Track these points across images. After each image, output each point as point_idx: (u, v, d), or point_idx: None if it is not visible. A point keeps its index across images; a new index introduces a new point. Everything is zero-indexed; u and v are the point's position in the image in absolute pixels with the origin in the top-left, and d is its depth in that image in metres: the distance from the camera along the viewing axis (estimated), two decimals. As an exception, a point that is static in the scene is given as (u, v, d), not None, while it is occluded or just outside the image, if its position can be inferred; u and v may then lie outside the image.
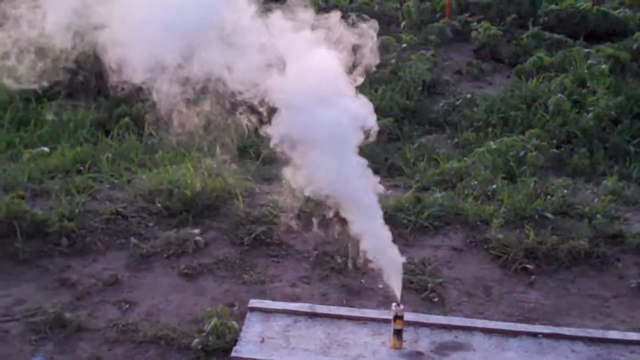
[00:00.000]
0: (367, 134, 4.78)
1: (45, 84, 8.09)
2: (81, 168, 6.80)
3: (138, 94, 5.09)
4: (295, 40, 4.57)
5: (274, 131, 4.52)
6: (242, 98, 4.59)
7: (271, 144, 4.55)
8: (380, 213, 4.76)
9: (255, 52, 4.52)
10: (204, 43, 4.47)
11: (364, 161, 4.75)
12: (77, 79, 8.20)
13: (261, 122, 4.64)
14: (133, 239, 5.77)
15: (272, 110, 4.53)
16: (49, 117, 7.73)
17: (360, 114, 4.75)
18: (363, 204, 4.69)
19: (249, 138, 7.14)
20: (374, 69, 5.10)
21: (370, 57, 4.87)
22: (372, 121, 4.78)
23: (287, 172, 4.66)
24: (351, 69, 4.77)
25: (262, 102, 4.58)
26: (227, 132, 5.71)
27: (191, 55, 4.49)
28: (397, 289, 4.73)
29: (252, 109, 4.67)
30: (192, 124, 4.92)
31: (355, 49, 4.76)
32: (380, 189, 4.82)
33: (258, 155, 7.17)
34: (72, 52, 5.17)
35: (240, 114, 4.75)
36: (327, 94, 4.62)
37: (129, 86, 4.66)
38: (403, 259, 4.80)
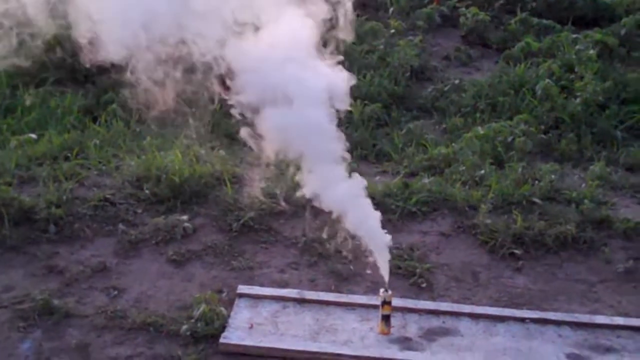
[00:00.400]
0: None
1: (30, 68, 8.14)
2: (69, 155, 6.77)
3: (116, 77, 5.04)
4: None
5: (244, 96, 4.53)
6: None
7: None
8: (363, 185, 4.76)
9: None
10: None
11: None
12: (64, 65, 8.19)
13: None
14: (121, 226, 5.76)
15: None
16: (28, 103, 7.70)
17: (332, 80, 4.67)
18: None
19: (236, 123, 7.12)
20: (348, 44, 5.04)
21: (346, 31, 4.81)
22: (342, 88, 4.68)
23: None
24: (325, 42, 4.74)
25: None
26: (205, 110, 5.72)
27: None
28: (385, 274, 4.74)
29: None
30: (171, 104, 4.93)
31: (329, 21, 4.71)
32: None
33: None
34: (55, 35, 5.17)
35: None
36: (297, 58, 4.58)
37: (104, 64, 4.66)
38: (390, 243, 4.81)
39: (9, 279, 5.16)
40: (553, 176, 6.49)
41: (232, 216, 5.89)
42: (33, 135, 6.98)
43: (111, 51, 4.57)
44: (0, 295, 4.98)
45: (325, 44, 4.72)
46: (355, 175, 4.76)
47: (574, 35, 9.25)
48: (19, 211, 5.70)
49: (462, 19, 10.06)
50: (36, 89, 8.04)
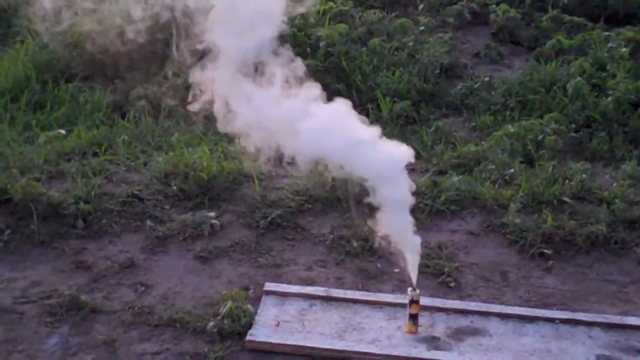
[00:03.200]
0: None
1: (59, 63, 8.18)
2: (97, 150, 6.78)
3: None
4: None
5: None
6: None
7: None
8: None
9: None
10: None
11: None
12: (93, 60, 8.21)
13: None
14: (149, 222, 5.77)
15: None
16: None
17: None
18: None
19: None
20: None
21: None
22: None
23: None
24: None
25: None
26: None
27: None
28: (413, 273, 4.70)
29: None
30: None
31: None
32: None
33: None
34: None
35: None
36: None
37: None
38: (420, 242, 4.78)
39: (37, 274, 5.18)
40: (584, 175, 6.41)
41: (259, 213, 5.88)
42: (62, 131, 7.00)
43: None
44: (29, 290, 5.00)
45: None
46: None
47: (606, 33, 9.15)
48: (47, 206, 5.71)
49: (492, 16, 9.97)
50: (65, 85, 8.06)
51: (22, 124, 7.35)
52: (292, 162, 4.91)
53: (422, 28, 9.49)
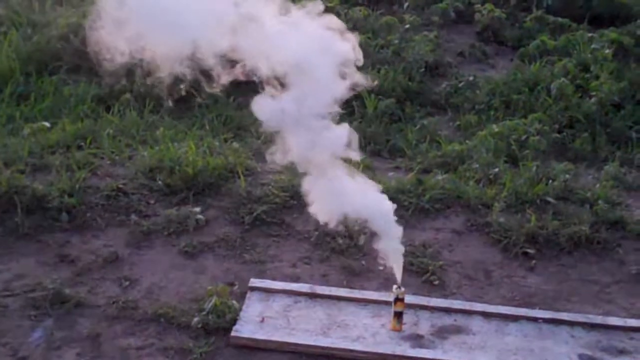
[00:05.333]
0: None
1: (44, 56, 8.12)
2: (82, 144, 6.75)
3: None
4: None
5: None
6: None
7: None
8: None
9: None
10: None
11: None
12: (78, 53, 8.18)
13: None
14: (134, 216, 5.75)
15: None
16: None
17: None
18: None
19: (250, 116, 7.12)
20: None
21: None
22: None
23: None
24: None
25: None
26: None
27: None
28: (397, 271, 4.72)
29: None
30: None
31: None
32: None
33: (260, 134, 7.13)
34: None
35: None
36: None
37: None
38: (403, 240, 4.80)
39: (20, 267, 5.15)
40: (567, 176, 6.45)
41: (244, 209, 5.87)
42: (46, 124, 6.96)
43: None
44: (12, 283, 4.98)
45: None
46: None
47: (590, 34, 9.22)
48: (31, 199, 5.69)
49: (477, 16, 10.03)
50: (50, 77, 8.02)
51: (6, 116, 7.30)
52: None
53: (407, 26, 9.54)
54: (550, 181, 6.40)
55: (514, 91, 8.11)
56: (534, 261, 5.52)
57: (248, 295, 4.88)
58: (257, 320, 4.63)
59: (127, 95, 7.62)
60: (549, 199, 6.16)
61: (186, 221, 5.68)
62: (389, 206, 4.74)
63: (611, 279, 5.38)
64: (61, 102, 7.65)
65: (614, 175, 6.63)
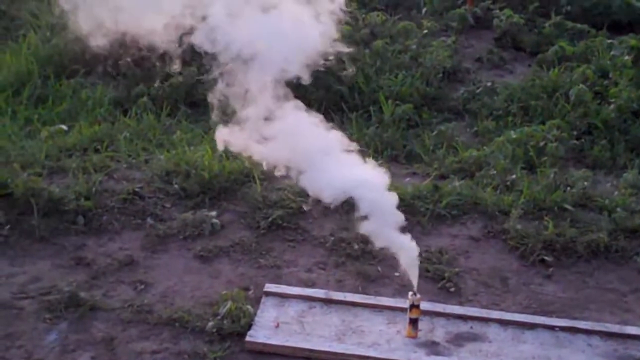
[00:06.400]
0: None
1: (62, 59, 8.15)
2: (99, 147, 6.77)
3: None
4: None
5: None
6: None
7: None
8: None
9: None
10: None
11: None
12: (95, 56, 8.21)
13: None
14: (149, 220, 5.76)
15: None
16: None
17: None
18: None
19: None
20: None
21: None
22: None
23: None
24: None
25: None
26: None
27: None
28: (413, 277, 4.70)
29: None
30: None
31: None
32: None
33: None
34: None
35: None
36: None
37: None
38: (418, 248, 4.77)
39: (36, 269, 5.17)
40: (585, 183, 6.41)
41: (260, 213, 5.87)
42: (63, 127, 7.00)
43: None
44: (28, 286, 4.99)
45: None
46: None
47: (609, 41, 9.14)
48: (48, 202, 5.70)
49: (495, 21, 9.96)
50: (67, 80, 8.05)
51: (24, 118, 7.34)
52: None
53: (425, 31, 9.48)
54: (568, 188, 6.35)
55: (532, 97, 8.06)
56: (551, 269, 5.48)
57: (263, 300, 4.87)
58: (272, 326, 4.62)
59: (145, 99, 7.63)
60: (567, 206, 6.11)
61: (202, 225, 5.68)
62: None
63: (629, 288, 5.34)
64: (79, 105, 7.67)
65: (633, 183, 6.56)
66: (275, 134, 4.73)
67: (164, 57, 5.59)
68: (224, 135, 4.89)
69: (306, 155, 4.68)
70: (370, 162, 4.96)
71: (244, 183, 6.26)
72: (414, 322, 4.57)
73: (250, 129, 4.74)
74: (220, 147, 5.07)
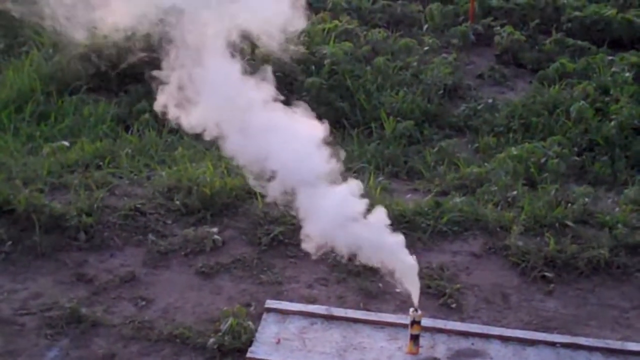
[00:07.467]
0: None
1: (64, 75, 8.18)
2: (100, 163, 6.79)
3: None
4: None
5: None
6: None
7: None
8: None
9: None
10: None
11: None
12: (98, 73, 8.24)
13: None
14: (151, 236, 5.77)
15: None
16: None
17: None
18: None
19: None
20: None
21: None
22: None
23: None
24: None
25: None
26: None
27: None
28: (414, 294, 4.69)
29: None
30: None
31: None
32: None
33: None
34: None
35: None
36: None
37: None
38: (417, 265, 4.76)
39: (38, 285, 5.18)
40: (586, 199, 6.42)
41: (261, 230, 5.88)
42: (65, 143, 7.02)
43: None
44: (29, 301, 5.00)
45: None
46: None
47: (610, 58, 9.19)
48: (49, 218, 5.72)
49: (496, 38, 10.01)
50: (70, 97, 8.07)
51: (26, 135, 7.36)
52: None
53: (426, 48, 9.53)
54: (569, 204, 6.36)
55: (533, 114, 8.08)
56: (552, 285, 5.48)
57: (264, 316, 4.86)
58: (273, 342, 4.61)
59: (147, 115, 7.64)
60: (568, 222, 6.12)
61: (203, 241, 5.69)
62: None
63: (630, 304, 5.34)
64: (81, 121, 7.70)
65: (634, 199, 6.56)
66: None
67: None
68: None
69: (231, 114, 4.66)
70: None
71: (245, 199, 6.27)
72: (415, 339, 4.56)
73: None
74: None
